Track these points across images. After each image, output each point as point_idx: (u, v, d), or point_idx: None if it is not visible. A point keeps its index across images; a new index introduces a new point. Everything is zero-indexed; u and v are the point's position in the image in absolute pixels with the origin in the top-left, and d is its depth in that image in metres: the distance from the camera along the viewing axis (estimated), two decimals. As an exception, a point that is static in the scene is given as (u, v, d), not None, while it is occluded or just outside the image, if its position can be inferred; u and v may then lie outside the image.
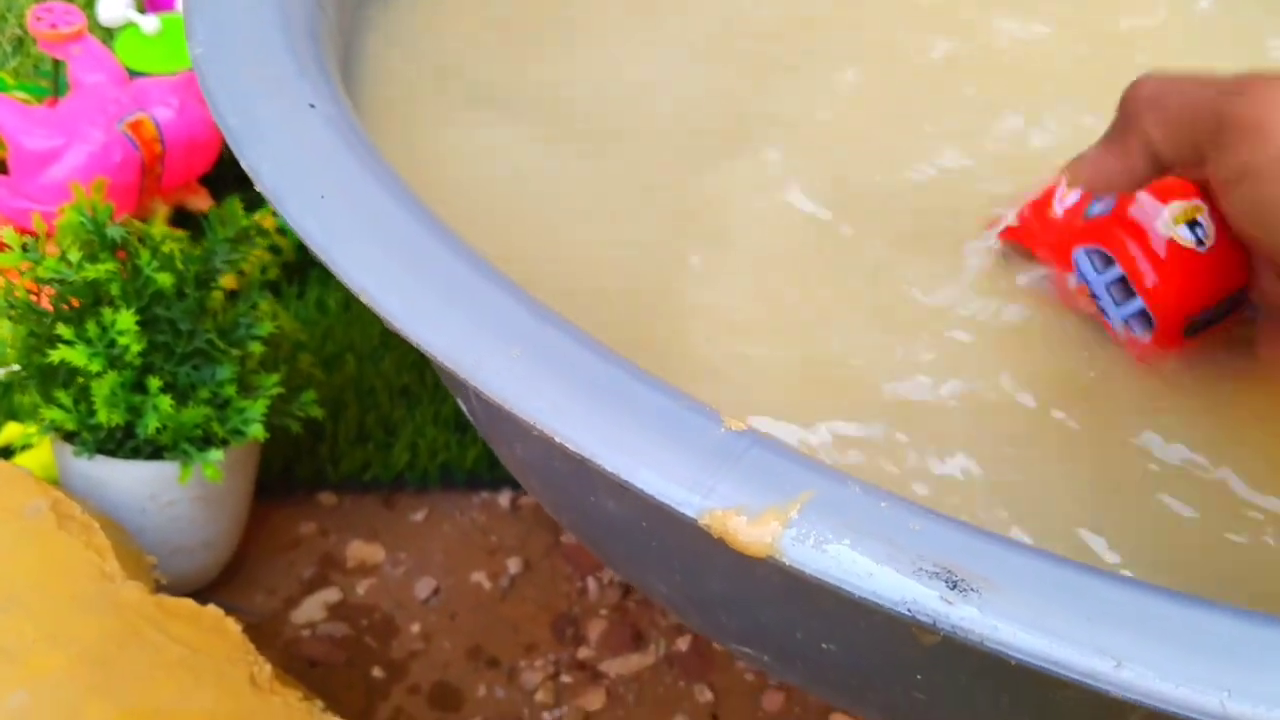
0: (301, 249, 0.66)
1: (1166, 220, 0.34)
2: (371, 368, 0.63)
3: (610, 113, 0.43)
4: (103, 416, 0.47)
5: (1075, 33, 0.48)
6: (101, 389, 0.46)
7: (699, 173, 0.41)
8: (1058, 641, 0.21)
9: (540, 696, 0.53)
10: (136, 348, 0.47)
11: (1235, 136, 0.29)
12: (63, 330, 0.47)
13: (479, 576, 0.57)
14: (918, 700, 0.31)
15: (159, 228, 0.51)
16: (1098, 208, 0.35)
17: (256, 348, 0.50)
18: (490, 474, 0.61)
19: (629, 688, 0.54)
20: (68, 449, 0.50)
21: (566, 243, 0.38)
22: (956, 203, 0.39)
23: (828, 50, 0.47)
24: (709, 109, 0.43)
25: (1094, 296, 0.36)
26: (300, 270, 0.67)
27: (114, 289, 0.48)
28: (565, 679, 0.54)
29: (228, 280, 0.55)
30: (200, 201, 0.67)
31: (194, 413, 0.48)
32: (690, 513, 0.23)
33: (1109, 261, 0.35)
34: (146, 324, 0.48)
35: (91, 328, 0.47)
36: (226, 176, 0.68)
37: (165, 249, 0.49)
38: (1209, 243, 0.34)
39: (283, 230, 0.65)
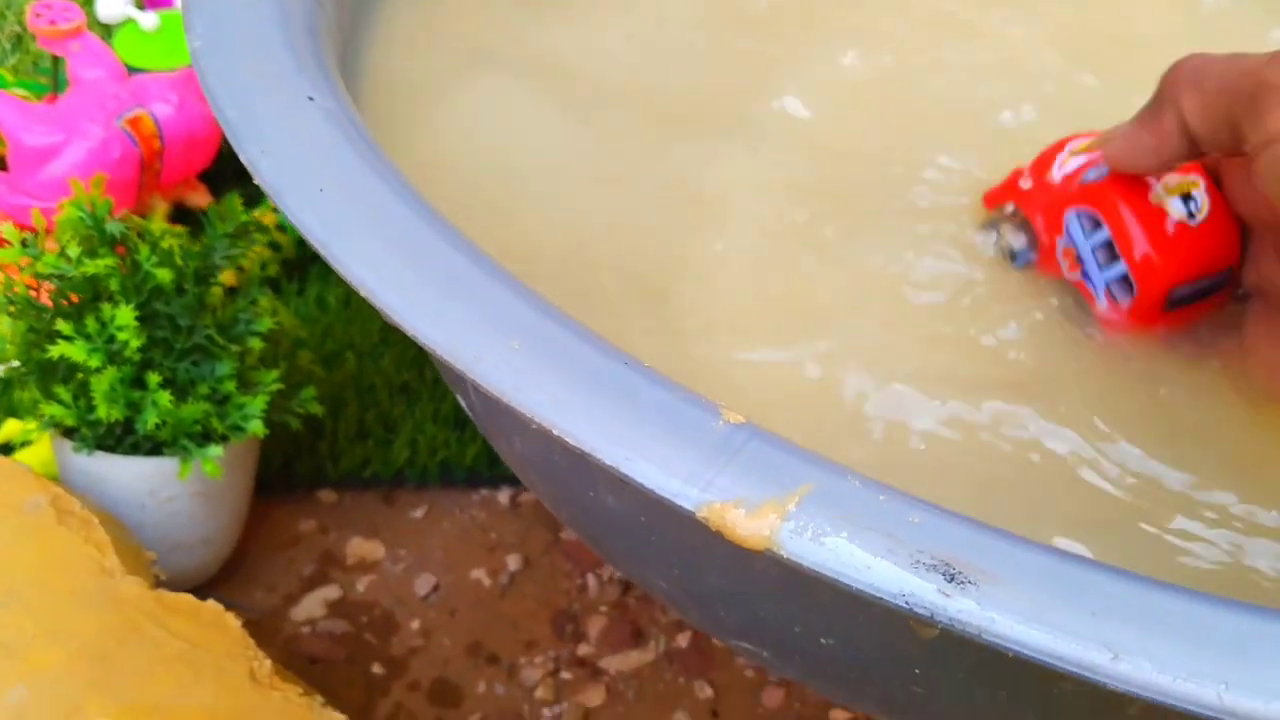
0: (301, 246, 0.66)
1: (1160, 191, 0.35)
2: (371, 365, 0.63)
3: (609, 90, 0.43)
4: (102, 412, 0.47)
5: (1076, 32, 0.48)
6: (101, 384, 0.46)
7: (695, 154, 0.41)
8: (1055, 634, 0.21)
9: (540, 693, 0.53)
10: (136, 343, 0.47)
11: (1273, 100, 0.29)
12: (62, 326, 0.47)
13: (479, 573, 0.57)
14: (916, 695, 0.31)
15: (158, 223, 0.51)
16: (1094, 174, 0.36)
17: (256, 344, 0.50)
18: (490, 471, 0.61)
19: (629, 684, 0.54)
20: (67, 445, 0.50)
21: (563, 228, 0.38)
22: (956, 193, 0.39)
23: (829, 30, 0.47)
24: (706, 87, 0.44)
25: (1079, 261, 0.36)
26: (300, 267, 0.67)
27: (113, 284, 0.48)
28: (565, 676, 0.54)
29: (227, 276, 0.55)
30: (199, 198, 0.67)
31: (193, 408, 0.48)
32: (688, 505, 0.23)
33: (1098, 224, 0.35)
34: (146, 319, 0.48)
35: (91, 323, 0.47)
36: (226, 173, 0.68)
37: (164, 244, 0.49)
38: (1200, 217, 0.34)
39: (283, 227, 0.65)
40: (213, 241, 0.50)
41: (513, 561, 0.58)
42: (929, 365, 0.35)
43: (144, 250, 0.48)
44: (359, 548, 0.58)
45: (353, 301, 0.65)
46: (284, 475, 0.59)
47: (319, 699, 0.42)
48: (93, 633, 0.41)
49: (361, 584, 0.56)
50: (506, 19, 0.46)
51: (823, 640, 0.31)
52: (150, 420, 0.47)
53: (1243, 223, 0.36)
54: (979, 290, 0.37)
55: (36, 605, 0.41)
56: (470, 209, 0.36)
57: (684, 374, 0.26)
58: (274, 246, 0.65)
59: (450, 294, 0.27)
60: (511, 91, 0.43)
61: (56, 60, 0.67)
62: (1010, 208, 0.38)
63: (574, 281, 0.37)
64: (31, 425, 0.50)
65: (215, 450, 0.49)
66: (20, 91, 0.68)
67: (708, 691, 0.54)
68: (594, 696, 0.53)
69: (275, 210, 0.63)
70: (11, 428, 0.55)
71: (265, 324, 0.50)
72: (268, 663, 0.42)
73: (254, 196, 0.62)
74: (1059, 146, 0.37)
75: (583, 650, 0.55)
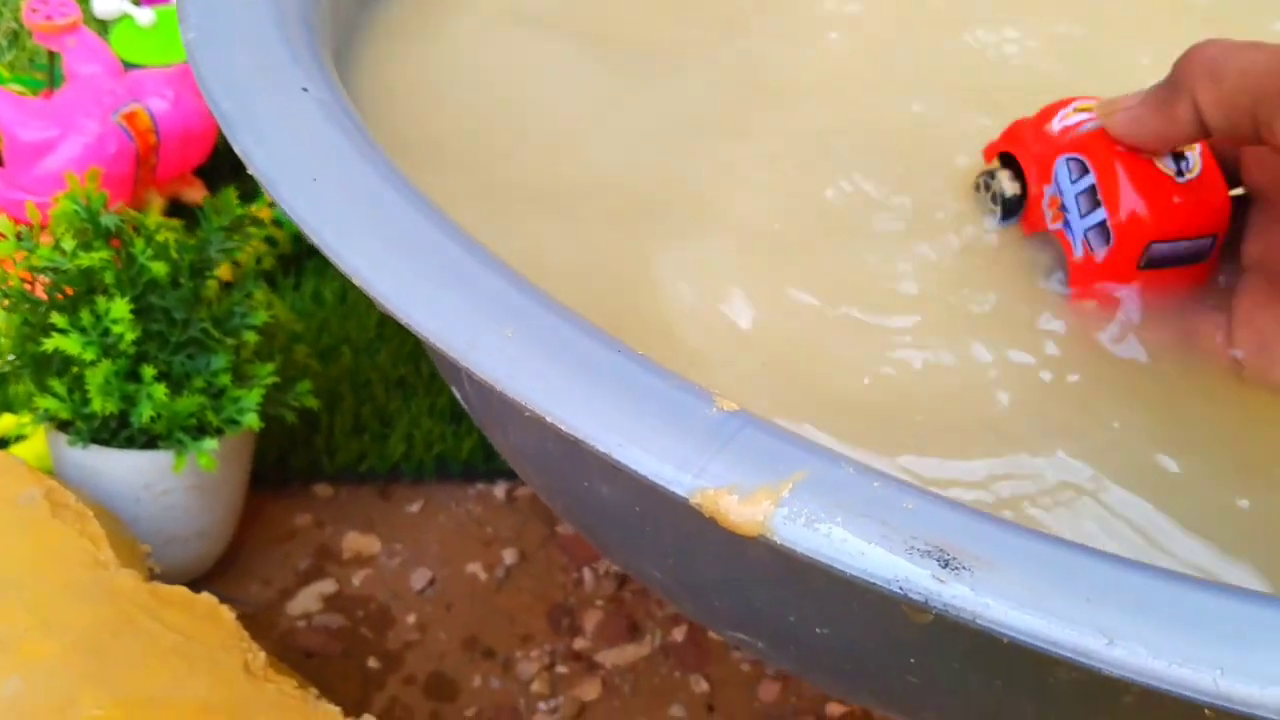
0: (298, 240, 0.66)
1: None
2: (367, 360, 0.63)
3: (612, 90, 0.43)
4: (97, 405, 0.46)
5: (1076, 29, 0.48)
6: (96, 377, 0.46)
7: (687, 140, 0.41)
8: (1050, 619, 0.21)
9: (536, 687, 0.53)
10: (131, 336, 0.47)
11: None
12: (57, 319, 0.47)
13: (475, 567, 0.57)
14: (911, 684, 0.31)
15: (153, 217, 0.50)
16: (1091, 125, 0.35)
17: (251, 337, 0.50)
18: (486, 465, 0.60)
19: (625, 678, 0.54)
20: (62, 438, 0.50)
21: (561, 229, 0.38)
22: (955, 181, 0.40)
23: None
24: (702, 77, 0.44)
25: (1064, 210, 0.36)
26: (296, 261, 0.67)
27: (108, 277, 0.48)
28: (561, 669, 0.54)
29: (223, 271, 0.55)
30: (195, 193, 0.67)
31: (188, 402, 0.48)
32: (681, 492, 0.23)
33: (1084, 170, 0.35)
34: (141, 313, 0.48)
35: (86, 316, 0.47)
36: (222, 168, 0.68)
37: (160, 238, 0.49)
38: (1189, 176, 0.34)
39: (279, 221, 0.65)
40: (208, 235, 0.50)
41: (508, 555, 0.58)
42: (921, 358, 0.35)
43: (139, 243, 0.48)
44: (355, 542, 0.58)
45: (349, 296, 0.65)
46: (280, 470, 0.59)
47: (314, 692, 0.42)
48: (87, 625, 0.41)
49: (357, 578, 0.56)
50: (502, 11, 0.46)
51: (818, 629, 0.30)
52: (145, 413, 0.47)
53: (1253, 194, 0.35)
54: (978, 282, 0.37)
55: (31, 598, 0.41)
56: (465, 199, 0.36)
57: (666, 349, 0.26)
58: (270, 241, 0.65)
59: (444, 282, 0.27)
60: (509, 85, 0.43)
61: (52, 56, 0.67)
62: (1007, 158, 0.38)
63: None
64: (26, 419, 0.50)
65: (210, 443, 0.49)
66: (16, 87, 0.68)
67: (704, 685, 0.54)
68: (590, 690, 0.53)
69: (271, 205, 0.63)
70: (6, 421, 0.55)
71: (260, 317, 0.50)
72: (262, 655, 0.42)
73: (250, 191, 0.62)
74: (1064, 103, 0.37)
75: (579, 644, 0.55)
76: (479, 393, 0.36)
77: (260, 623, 0.54)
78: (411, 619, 0.55)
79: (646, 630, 0.55)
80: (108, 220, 0.48)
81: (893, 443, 0.32)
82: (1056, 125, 0.36)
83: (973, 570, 0.22)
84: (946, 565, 0.22)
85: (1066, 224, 0.36)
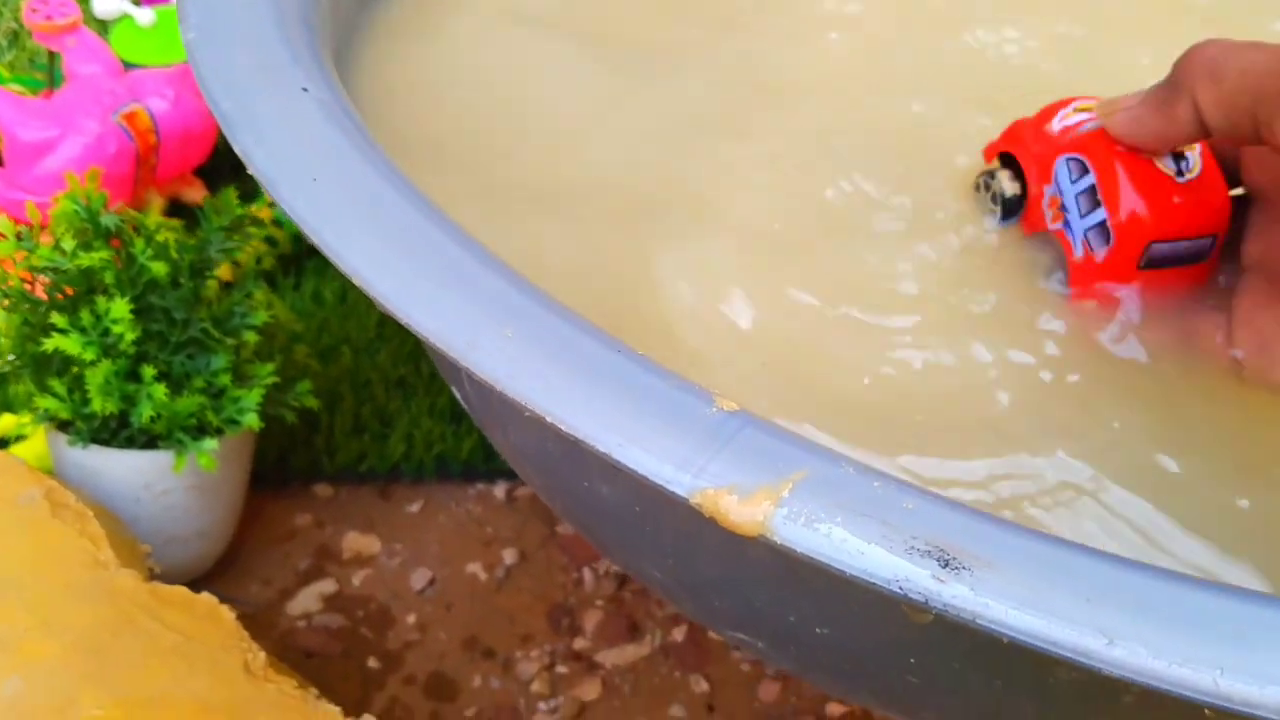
0: (298, 241, 0.66)
1: None
2: (367, 360, 0.63)
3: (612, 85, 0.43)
4: (97, 405, 0.46)
5: (1077, 28, 0.48)
6: (96, 377, 0.46)
7: (686, 140, 0.41)
8: (1049, 619, 0.21)
9: (536, 687, 0.53)
10: (131, 336, 0.47)
11: None
12: (57, 319, 0.47)
13: (475, 567, 0.57)
14: (911, 685, 0.31)
15: (153, 217, 0.50)
16: (1091, 126, 0.35)
17: (251, 337, 0.50)
18: (486, 465, 0.60)
19: (625, 678, 0.54)
20: (62, 438, 0.50)
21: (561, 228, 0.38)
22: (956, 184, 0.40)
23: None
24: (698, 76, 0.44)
25: (1063, 210, 0.36)
26: (296, 262, 0.67)
27: (108, 277, 0.48)
28: (561, 669, 0.54)
29: (223, 271, 0.55)
30: (195, 193, 0.67)
31: (188, 402, 0.48)
32: (681, 492, 0.23)
33: (1085, 170, 0.35)
34: (141, 313, 0.48)
35: (86, 316, 0.47)
36: (222, 168, 0.68)
37: (160, 238, 0.49)
38: (1189, 176, 0.34)
39: (279, 221, 0.65)
40: (208, 235, 0.50)
41: (509, 555, 0.58)
42: (916, 354, 0.35)
43: (139, 243, 0.48)
44: (355, 542, 0.58)
45: (349, 296, 0.65)
46: (280, 470, 0.59)
47: (313, 691, 0.42)
48: (87, 625, 0.41)
49: (357, 578, 0.56)
50: (503, 11, 0.46)
51: (818, 629, 0.30)
52: (145, 413, 0.47)
53: (1253, 194, 0.35)
54: (975, 279, 0.37)
55: (31, 598, 0.41)
56: (465, 198, 0.36)
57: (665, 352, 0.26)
58: (270, 241, 0.65)
59: (444, 282, 0.27)
60: (509, 85, 0.43)
61: (52, 56, 0.67)
62: (1007, 158, 0.38)
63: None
64: (26, 418, 0.50)
65: (210, 443, 0.49)
66: (16, 87, 0.68)
67: (704, 685, 0.54)
68: (590, 690, 0.53)
69: (271, 205, 0.63)
70: (6, 421, 0.55)
71: (260, 317, 0.50)
72: (262, 655, 0.42)
73: (250, 191, 0.62)
74: (1064, 102, 0.37)
75: (579, 644, 0.55)
76: (479, 393, 0.36)
77: (260, 623, 0.54)
78: (411, 619, 0.55)
79: (646, 630, 0.55)
80: (108, 220, 0.48)
81: (892, 443, 0.32)
82: (1056, 125, 0.36)
83: (973, 570, 0.22)
84: (946, 565, 0.22)
85: (1066, 224, 0.36)
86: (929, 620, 0.22)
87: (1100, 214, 0.35)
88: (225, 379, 0.49)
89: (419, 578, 0.56)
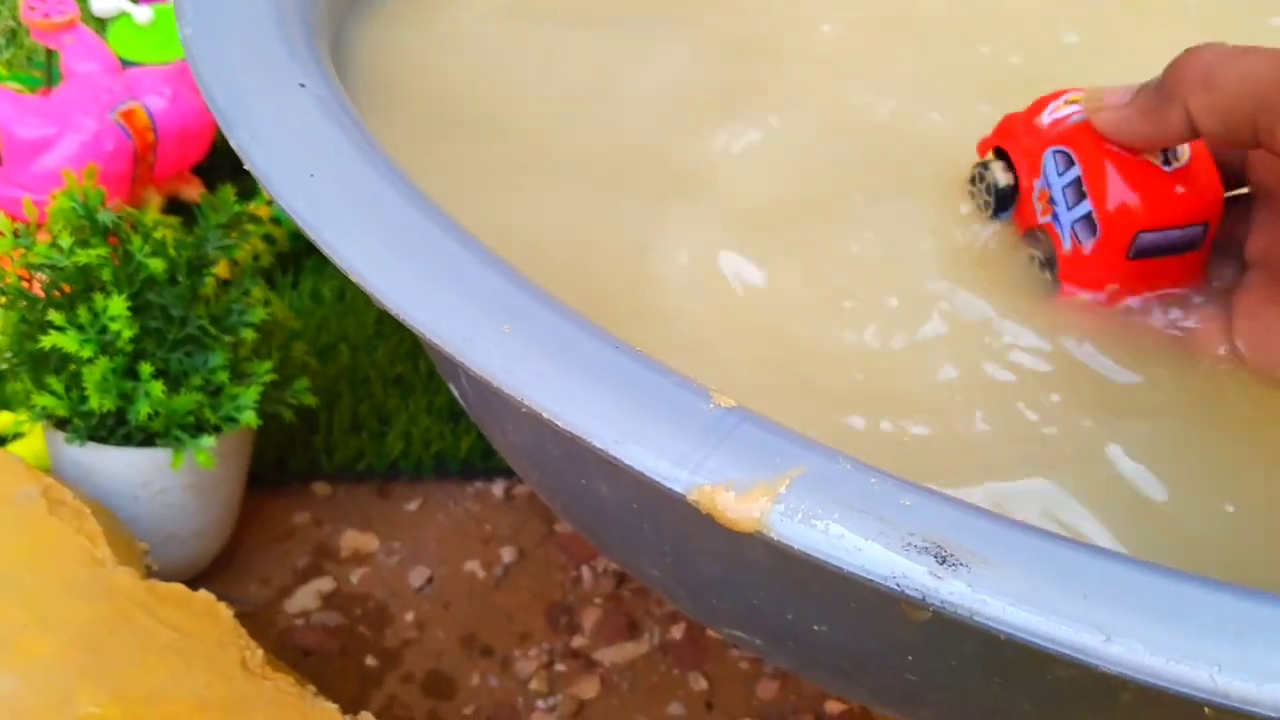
0: (296, 238, 0.66)
1: None
2: (366, 358, 0.63)
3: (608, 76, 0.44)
4: (94, 403, 0.46)
5: (1076, 27, 0.48)
6: (93, 375, 0.46)
7: (681, 132, 0.41)
8: (1047, 616, 0.21)
9: (534, 685, 0.53)
10: (128, 333, 0.46)
11: None
12: (54, 316, 0.47)
13: (473, 565, 0.57)
14: (910, 683, 0.31)
15: (151, 214, 0.50)
16: (1078, 117, 0.35)
17: (249, 334, 0.50)
18: (484, 463, 0.60)
19: (623, 676, 0.54)
20: (59, 436, 0.50)
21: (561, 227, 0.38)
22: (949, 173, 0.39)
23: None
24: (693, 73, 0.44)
25: (1052, 203, 0.36)
26: (295, 260, 0.67)
27: (105, 275, 0.47)
28: (559, 668, 0.54)
29: (221, 269, 0.55)
30: (193, 191, 0.67)
31: (186, 399, 0.48)
32: (678, 488, 0.23)
33: (1070, 163, 0.35)
34: (138, 310, 0.48)
35: (83, 313, 0.47)
36: (220, 166, 0.68)
37: (157, 235, 0.49)
38: (1177, 164, 0.34)
39: (277, 219, 0.65)
40: (205, 232, 0.50)
41: (507, 554, 0.58)
42: (911, 353, 0.35)
43: (136, 240, 0.48)
44: (353, 540, 0.58)
45: (347, 294, 0.65)
46: (278, 468, 0.59)
47: (311, 689, 0.42)
48: (84, 622, 0.40)
49: (355, 576, 0.56)
50: (501, 8, 0.46)
51: (815, 627, 0.30)
52: (143, 411, 0.47)
53: (1258, 191, 0.35)
54: (967, 274, 0.37)
55: (28, 595, 0.41)
56: (462, 196, 0.36)
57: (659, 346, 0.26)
58: (268, 239, 0.65)
59: (441, 278, 0.27)
60: (505, 79, 0.43)
61: (50, 54, 0.67)
62: (1000, 153, 0.38)
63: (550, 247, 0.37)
64: (24, 416, 0.50)
65: (208, 441, 0.49)
66: (14, 85, 0.67)
67: (702, 683, 0.54)
68: (588, 688, 0.53)
69: (270, 203, 0.63)
70: (4, 419, 0.55)
71: (258, 315, 0.50)
72: (260, 652, 0.42)
73: (248, 189, 0.62)
74: (1055, 95, 0.37)
75: (577, 642, 0.55)
76: (476, 389, 0.36)
77: (259, 621, 0.54)
78: (410, 617, 0.55)
79: (645, 628, 0.55)
80: (105, 217, 0.48)
81: (882, 437, 0.32)
82: (1046, 118, 0.36)
83: (970, 566, 0.22)
84: (944, 561, 0.22)
85: (1055, 217, 0.36)
86: (926, 617, 0.22)
87: (1086, 206, 0.35)
88: (223, 376, 0.49)
89: (417, 576, 0.56)
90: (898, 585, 0.22)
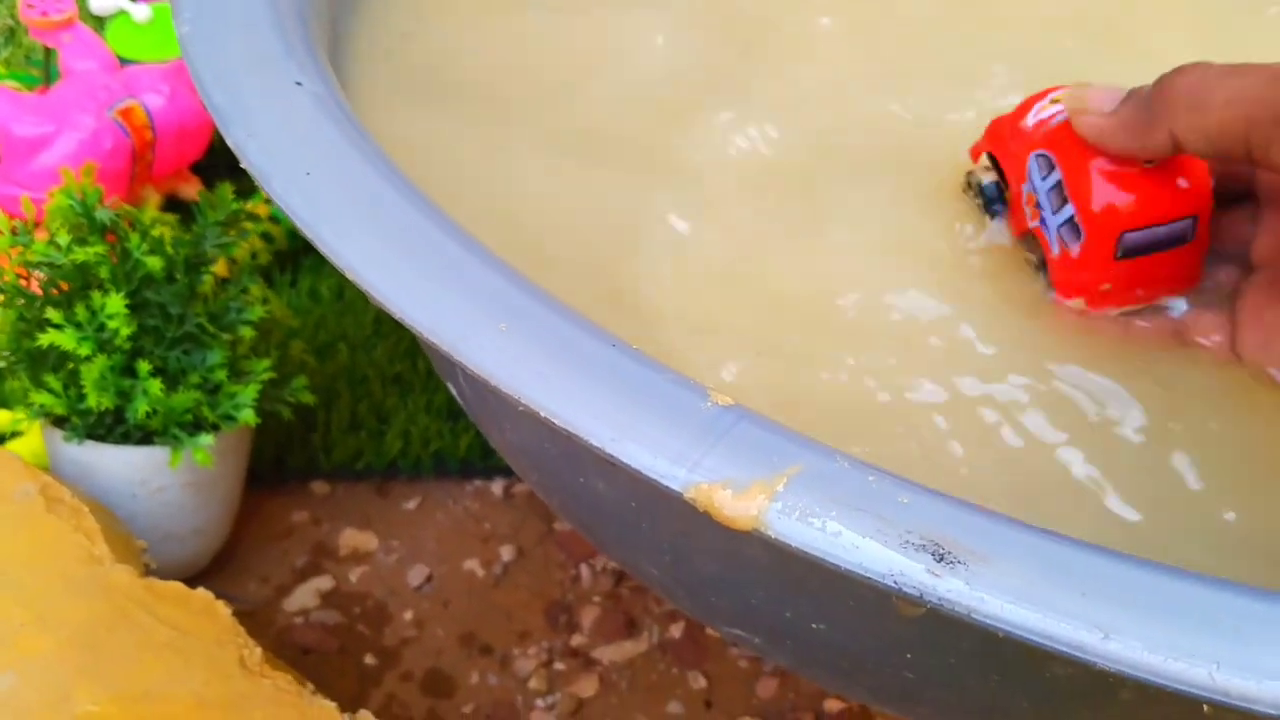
0: (294, 237, 0.66)
1: None
2: (364, 356, 0.63)
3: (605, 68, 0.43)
4: (92, 401, 0.46)
5: (1074, 27, 0.48)
6: (91, 373, 0.46)
7: (672, 124, 0.41)
8: (1045, 613, 0.21)
9: (533, 684, 0.53)
10: (126, 331, 0.46)
11: None
12: (52, 314, 0.47)
13: (472, 564, 0.57)
14: (908, 681, 0.31)
15: (149, 212, 0.50)
16: (1060, 118, 0.35)
17: (247, 332, 0.50)
18: (483, 462, 0.60)
19: (622, 675, 0.54)
20: (57, 434, 0.50)
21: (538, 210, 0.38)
22: (941, 170, 0.39)
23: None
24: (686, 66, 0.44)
25: (1039, 207, 0.35)
26: (293, 258, 0.67)
27: (103, 272, 0.47)
28: (558, 666, 0.54)
29: (219, 267, 0.55)
30: (191, 189, 0.67)
31: (184, 397, 0.48)
32: (676, 486, 0.23)
33: (1052, 167, 0.35)
34: (136, 308, 0.48)
35: (81, 311, 0.47)
36: (218, 165, 0.68)
37: (155, 232, 0.49)
38: (1156, 163, 0.34)
39: (276, 218, 0.65)
40: (203, 230, 0.50)
41: (506, 552, 0.58)
42: (907, 350, 0.35)
43: (134, 238, 0.48)
44: (352, 539, 0.58)
45: (346, 293, 0.65)
46: (276, 467, 0.59)
47: (309, 687, 0.42)
48: (82, 620, 0.40)
49: (354, 575, 0.56)
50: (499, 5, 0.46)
51: (814, 625, 0.30)
52: (141, 409, 0.47)
53: (1263, 194, 0.35)
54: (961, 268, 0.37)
55: (26, 593, 0.41)
56: (460, 192, 0.36)
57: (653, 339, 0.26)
58: (266, 237, 0.65)
59: (437, 276, 0.27)
60: (503, 77, 0.43)
61: (48, 52, 0.66)
62: (992, 158, 0.37)
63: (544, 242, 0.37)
64: (22, 414, 0.50)
65: (206, 439, 0.49)
66: (12, 83, 0.67)
67: (701, 682, 0.54)
68: (587, 687, 0.53)
69: (268, 202, 0.63)
70: (2, 417, 0.55)
71: (256, 313, 0.50)
72: (258, 650, 0.42)
73: (247, 188, 0.62)
74: (1040, 95, 0.36)
75: (576, 641, 0.55)
76: (474, 388, 0.36)
77: (257, 619, 0.54)
78: (409, 615, 0.55)
79: (644, 627, 0.55)
80: (103, 215, 0.48)
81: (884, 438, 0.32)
82: (1031, 120, 0.36)
83: (968, 564, 0.22)
84: (941, 559, 0.22)
85: (1043, 221, 0.35)
86: (923, 614, 0.22)
87: (1070, 209, 0.34)
88: (221, 375, 0.49)
89: (416, 574, 0.56)
90: (895, 583, 0.22)
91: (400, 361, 0.63)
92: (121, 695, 0.38)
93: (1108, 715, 0.28)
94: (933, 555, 0.22)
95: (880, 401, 0.33)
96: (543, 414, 0.24)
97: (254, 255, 0.64)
